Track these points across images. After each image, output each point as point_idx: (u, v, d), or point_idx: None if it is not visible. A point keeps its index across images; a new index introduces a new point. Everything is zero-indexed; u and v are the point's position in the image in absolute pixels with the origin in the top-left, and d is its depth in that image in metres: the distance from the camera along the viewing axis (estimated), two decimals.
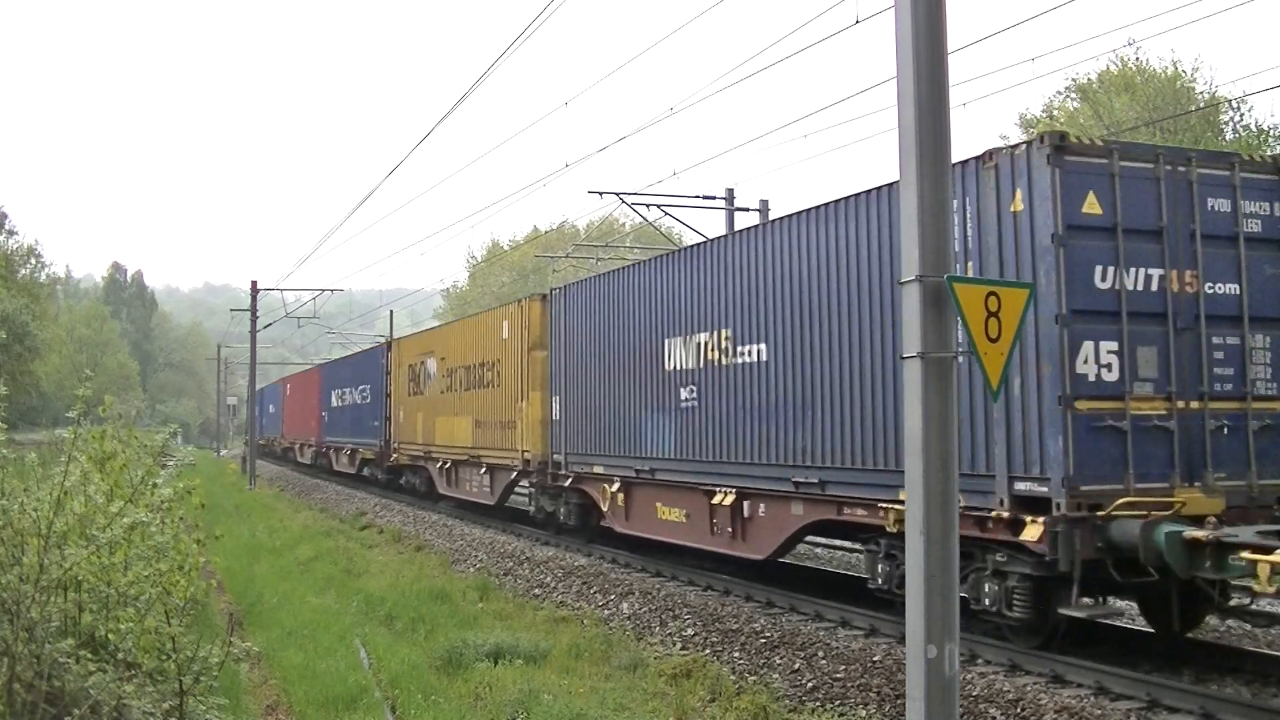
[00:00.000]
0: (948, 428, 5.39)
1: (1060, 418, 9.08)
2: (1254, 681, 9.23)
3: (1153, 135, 28.67)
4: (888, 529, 10.70)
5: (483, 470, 22.68)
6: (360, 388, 34.88)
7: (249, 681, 9.65)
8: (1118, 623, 11.22)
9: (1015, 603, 9.71)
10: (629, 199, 25.17)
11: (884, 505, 10.73)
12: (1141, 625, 11.09)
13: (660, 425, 15.51)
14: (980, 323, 5.46)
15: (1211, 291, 9.83)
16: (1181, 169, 9.83)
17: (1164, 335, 9.59)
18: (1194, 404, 9.63)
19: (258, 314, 42.84)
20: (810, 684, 10.02)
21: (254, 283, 42.76)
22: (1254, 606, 10.97)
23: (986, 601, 9.98)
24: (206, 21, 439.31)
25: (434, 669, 10.23)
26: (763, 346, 13.05)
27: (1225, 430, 9.67)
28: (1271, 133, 30.95)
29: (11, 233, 65.56)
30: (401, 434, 29.60)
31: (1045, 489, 9.19)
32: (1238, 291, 9.94)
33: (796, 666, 10.53)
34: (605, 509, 17.43)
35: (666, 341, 15.36)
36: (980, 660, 9.94)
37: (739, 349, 13.58)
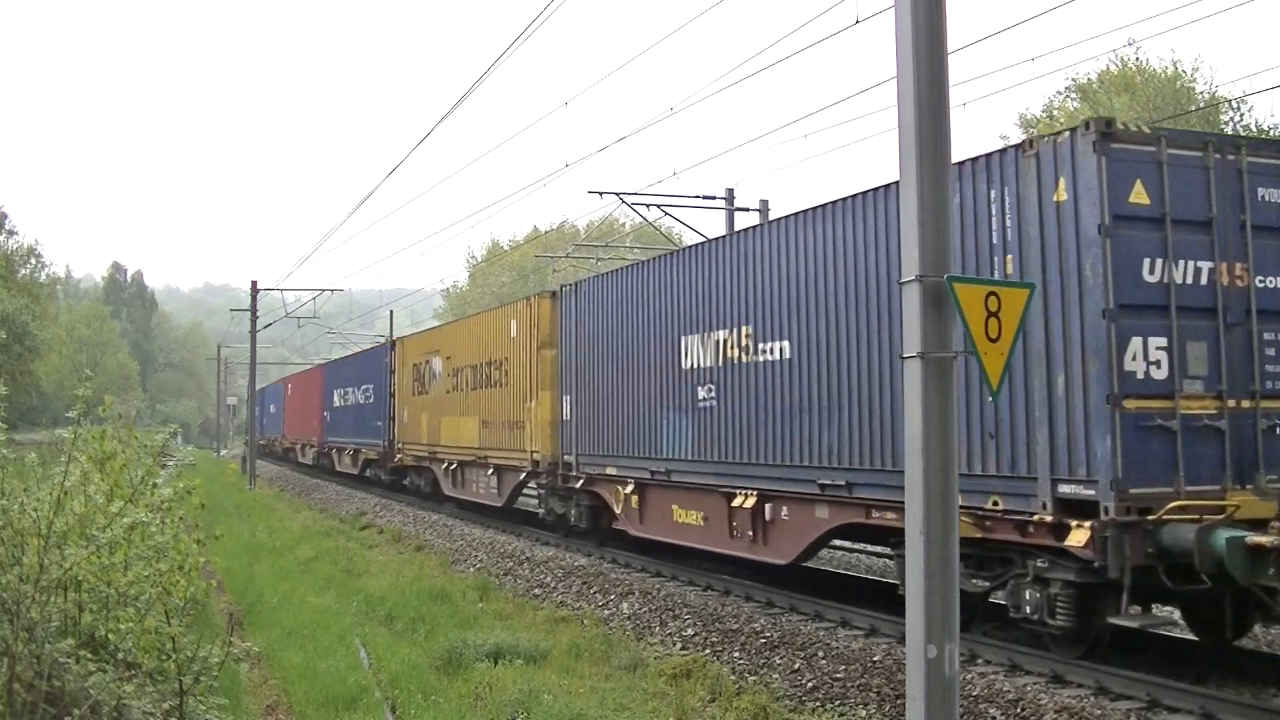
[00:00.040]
0: (948, 428, 5.39)
1: (1108, 417, 8.68)
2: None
3: None
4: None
5: (490, 471, 22.34)
6: (363, 387, 34.51)
7: (249, 681, 9.65)
8: (1166, 631, 10.64)
9: (1058, 611, 9.28)
10: (629, 199, 25.19)
11: None
12: (1180, 633, 10.68)
13: (677, 425, 15.08)
14: (980, 323, 5.46)
15: (1263, 285, 9.37)
16: (1231, 157, 9.40)
17: (1214, 331, 9.16)
18: (1245, 403, 9.22)
19: (258, 314, 42.85)
20: (810, 684, 10.01)
21: (254, 283, 42.81)
22: None
23: (1027, 609, 9.59)
24: (206, 22, 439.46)
25: (434, 669, 10.23)
26: (785, 344, 12.64)
27: (1278, 430, 9.29)
28: (1271, 133, 30.94)
29: (11, 233, 65.67)
30: (406, 434, 29.15)
31: (1092, 492, 8.79)
32: None
33: (796, 666, 10.52)
34: (618, 511, 16.99)
35: (683, 339, 14.92)
36: (980, 660, 9.93)
37: (760, 346, 13.15)
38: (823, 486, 11.95)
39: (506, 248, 65.54)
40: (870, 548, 16.86)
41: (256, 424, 47.92)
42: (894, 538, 11.17)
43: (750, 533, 13.37)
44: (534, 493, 22.11)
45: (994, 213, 9.67)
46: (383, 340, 46.63)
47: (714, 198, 25.64)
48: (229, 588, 14.81)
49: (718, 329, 14.09)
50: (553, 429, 19.05)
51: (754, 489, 13.25)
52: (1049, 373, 9.14)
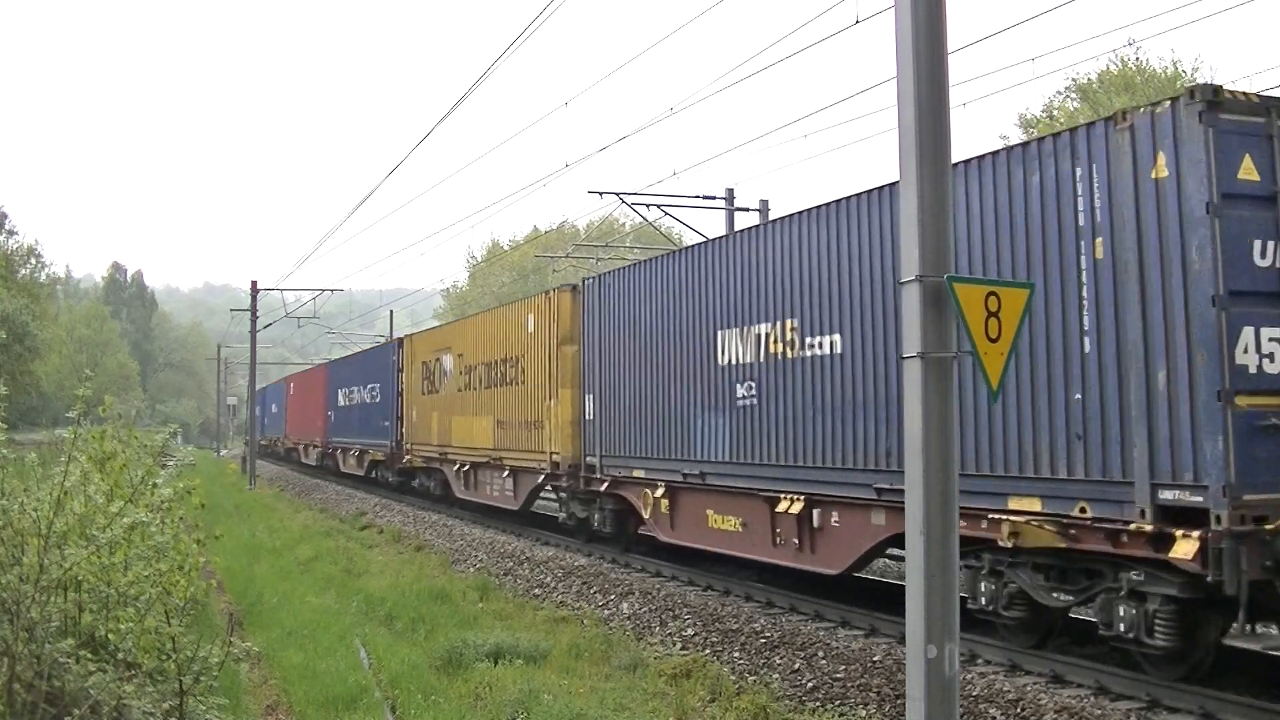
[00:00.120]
0: (948, 428, 5.40)
1: (1219, 416, 7.88)
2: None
3: None
4: (1000, 542, 9.43)
5: (505, 473, 21.43)
6: (369, 386, 33.70)
7: (249, 681, 9.65)
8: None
9: (1158, 629, 8.48)
10: (629, 199, 25.18)
11: (993, 515, 9.52)
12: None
13: (712, 425, 14.20)
14: (980, 323, 5.46)
15: None
16: None
17: None
18: None
19: (258, 314, 42.87)
20: (810, 684, 10.01)
21: (254, 283, 42.86)
22: None
23: (1121, 627, 8.77)
24: (207, 22, 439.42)
25: (434, 669, 10.23)
26: (837, 337, 11.81)
27: None
28: None
29: (11, 233, 65.69)
30: (415, 435, 28.32)
31: (1200, 498, 7.97)
32: None
33: (796, 666, 10.52)
34: (647, 516, 16.11)
35: (719, 334, 14.05)
36: (980, 660, 9.93)
37: (808, 340, 12.28)
38: (879, 491, 11.06)
39: (506, 248, 65.54)
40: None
41: (258, 424, 47.90)
42: (961, 546, 10.56)
43: (796, 540, 12.48)
44: (552, 496, 21.37)
45: (1080, 192, 8.92)
46: (385, 339, 46.71)
47: (714, 198, 25.66)
48: (229, 588, 14.82)
49: (759, 322, 13.24)
50: (574, 429, 18.30)
51: (800, 493, 12.39)
52: (1147, 367, 8.36)
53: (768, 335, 13.05)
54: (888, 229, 10.97)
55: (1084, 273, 8.86)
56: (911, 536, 5.42)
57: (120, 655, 6.40)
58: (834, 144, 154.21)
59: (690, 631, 12.30)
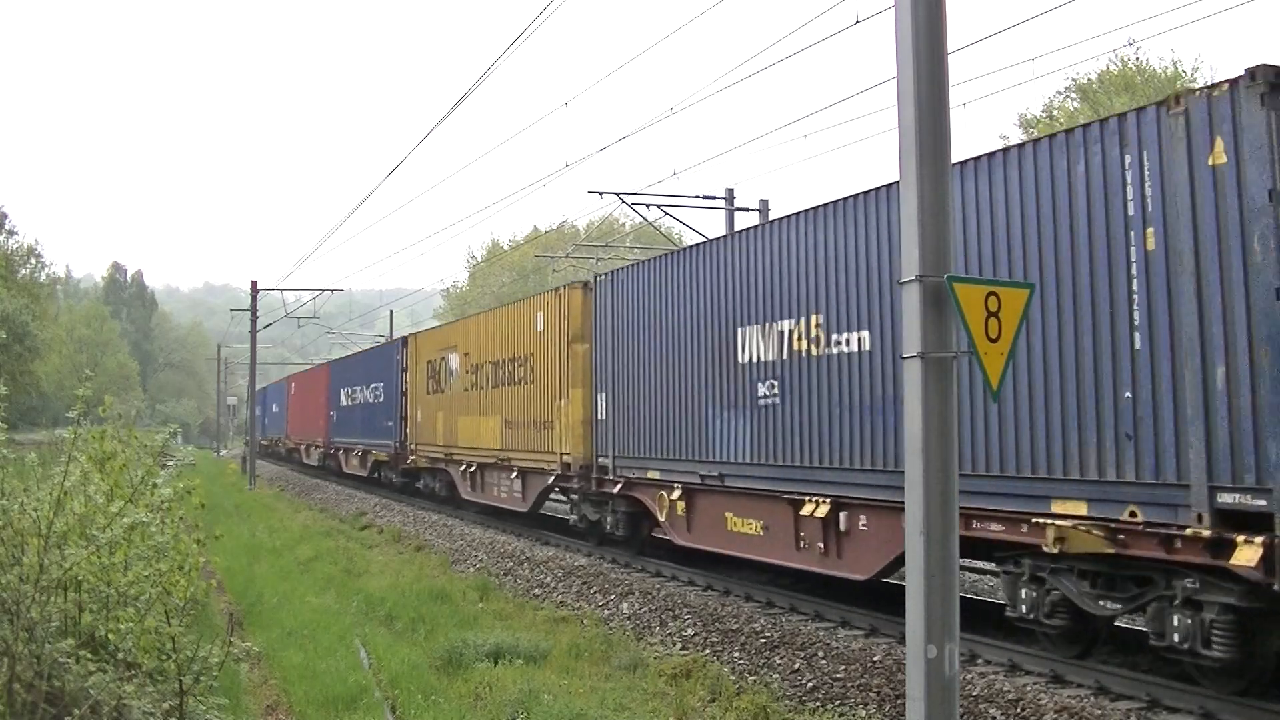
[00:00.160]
0: (948, 428, 5.40)
1: None
2: None
3: None
4: (1045, 548, 9.04)
5: (514, 474, 21.01)
6: (373, 385, 33.30)
7: (249, 681, 9.65)
8: None
9: (1215, 640, 8.05)
10: (629, 199, 25.19)
11: (1037, 519, 9.15)
12: None
13: (732, 425, 13.76)
14: (980, 323, 5.46)
15: None
16: None
17: None
18: None
19: (258, 314, 42.88)
20: (810, 684, 10.01)
21: (254, 283, 42.87)
22: None
23: (1175, 637, 8.32)
24: (207, 21, 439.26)
25: (434, 669, 10.23)
26: (865, 334, 11.42)
27: None
28: None
29: (11, 233, 65.79)
30: (420, 435, 27.96)
31: (1263, 502, 7.53)
32: None
33: (796, 666, 10.52)
34: (662, 519, 15.65)
35: (739, 331, 13.60)
36: (980, 660, 9.92)
37: (834, 337, 11.85)
38: None
39: (506, 248, 65.56)
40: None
41: (258, 424, 47.85)
42: (999, 551, 10.03)
43: (821, 544, 12.04)
44: (561, 498, 20.99)
45: (1129, 180, 8.48)
46: (385, 339, 46.71)
47: (714, 198, 25.67)
48: (229, 588, 14.82)
49: (782, 319, 12.78)
50: (585, 429, 17.86)
51: (827, 495, 11.93)
52: (1204, 364, 7.94)
53: (791, 332, 12.64)
54: None
55: (1134, 265, 8.44)
56: (911, 536, 5.42)
57: (120, 655, 6.40)
58: (834, 144, 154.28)
59: (690, 631, 12.30)
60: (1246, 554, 7.54)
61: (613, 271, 17.48)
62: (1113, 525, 8.60)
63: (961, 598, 14.26)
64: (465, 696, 9.21)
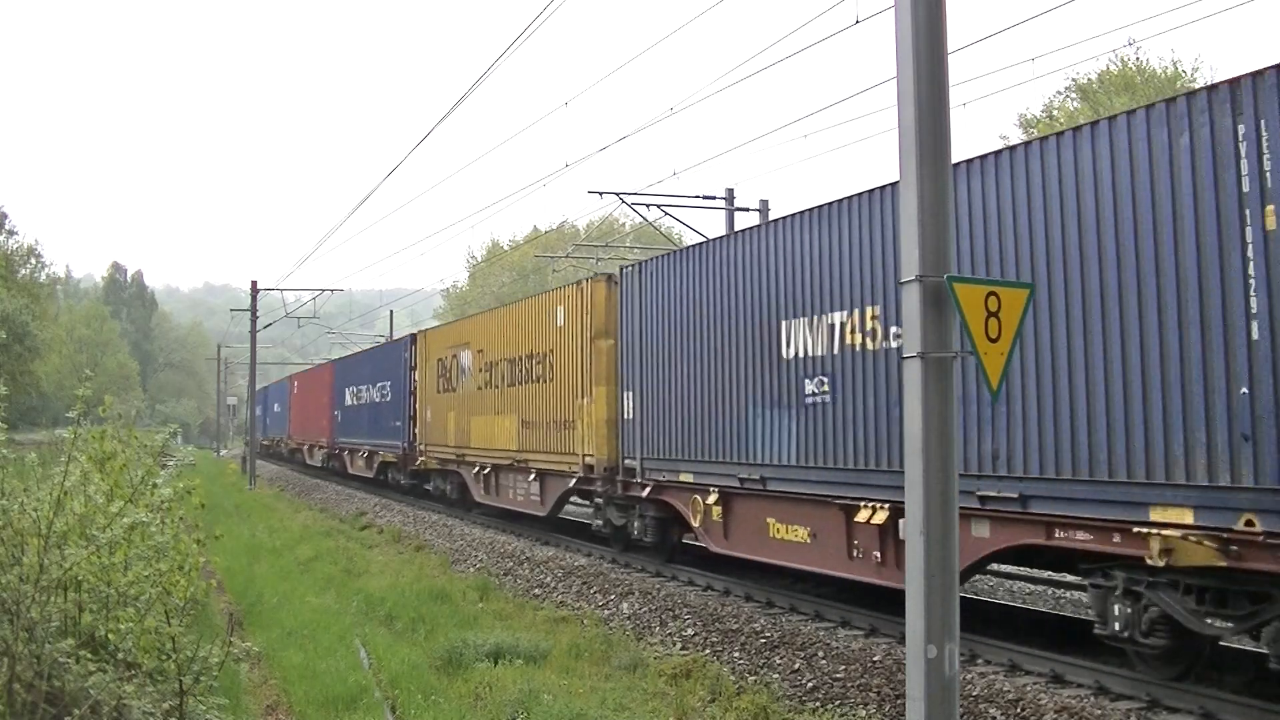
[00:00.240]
0: (948, 428, 5.40)
1: None
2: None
3: None
4: (1149, 559, 8.17)
5: (531, 477, 19.99)
6: (380, 384, 32.17)
7: (249, 681, 9.65)
8: None
9: None
10: (629, 199, 25.18)
11: (1137, 529, 8.30)
12: None
13: (775, 425, 12.81)
14: (980, 323, 5.46)
15: None
16: None
17: None
18: None
19: (258, 314, 42.89)
20: (810, 684, 10.01)
21: (254, 283, 42.87)
22: None
23: None
24: (207, 21, 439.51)
25: (434, 669, 10.24)
26: None
27: None
28: None
29: (11, 233, 65.77)
30: (429, 435, 26.89)
31: None
32: None
33: (796, 666, 10.53)
34: (696, 524, 14.69)
35: (783, 324, 12.65)
36: (980, 660, 9.92)
37: (894, 330, 10.85)
38: (983, 499, 9.67)
39: (506, 248, 65.58)
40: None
41: (259, 424, 47.81)
42: (1084, 563, 9.27)
43: (878, 554, 11.14)
44: (582, 502, 20.22)
45: (1244, 153, 7.62)
46: (385, 339, 46.70)
47: (714, 198, 25.66)
48: (229, 588, 14.82)
49: (833, 311, 11.84)
50: (610, 429, 16.87)
51: (884, 501, 10.92)
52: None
53: (843, 325, 11.69)
54: (991, 203, 9.66)
55: (1250, 246, 7.56)
56: (911, 537, 5.43)
57: (120, 655, 6.40)
58: (834, 144, 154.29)
59: (690, 631, 12.30)
60: None
61: (640, 263, 16.55)
62: (1225, 535, 7.71)
63: (961, 598, 14.39)
64: (465, 696, 9.21)
